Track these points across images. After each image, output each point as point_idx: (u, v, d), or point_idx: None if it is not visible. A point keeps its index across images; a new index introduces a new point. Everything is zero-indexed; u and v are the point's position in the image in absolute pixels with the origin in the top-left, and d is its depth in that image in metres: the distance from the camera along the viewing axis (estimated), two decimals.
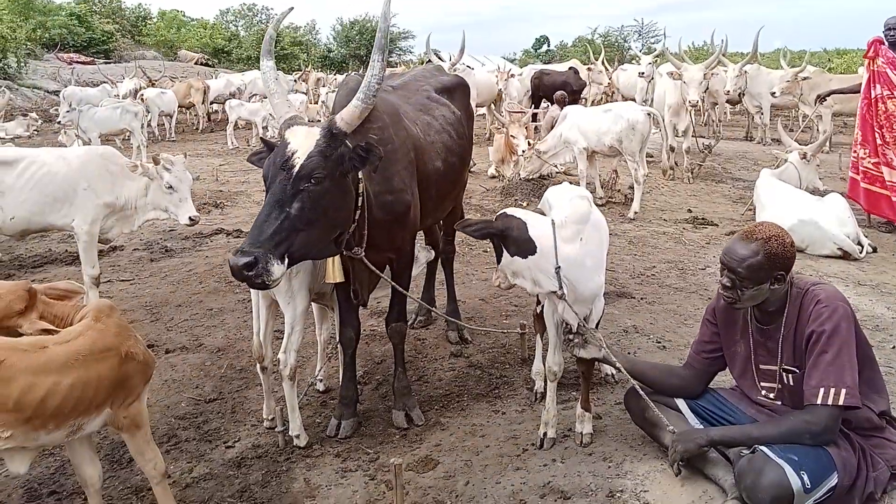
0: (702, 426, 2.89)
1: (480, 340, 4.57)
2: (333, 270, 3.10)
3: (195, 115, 18.77)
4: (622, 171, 8.78)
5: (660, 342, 4.43)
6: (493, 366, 4.21)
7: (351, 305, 3.49)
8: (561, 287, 2.92)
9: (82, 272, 4.84)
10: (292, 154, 2.68)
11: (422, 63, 32.94)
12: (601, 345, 3.02)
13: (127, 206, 4.69)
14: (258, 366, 3.51)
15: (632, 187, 8.09)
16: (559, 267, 2.91)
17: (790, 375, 2.64)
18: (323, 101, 19.07)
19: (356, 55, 42.19)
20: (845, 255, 6.09)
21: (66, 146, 9.80)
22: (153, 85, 18.87)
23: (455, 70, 10.04)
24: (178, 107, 16.89)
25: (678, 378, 3.01)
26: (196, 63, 33.42)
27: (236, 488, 3.13)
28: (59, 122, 11.97)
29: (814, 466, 2.38)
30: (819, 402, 2.44)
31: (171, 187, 4.51)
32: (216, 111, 19.90)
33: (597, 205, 8.19)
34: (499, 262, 3.04)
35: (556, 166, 8.61)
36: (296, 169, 2.66)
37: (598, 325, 3.29)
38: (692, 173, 9.58)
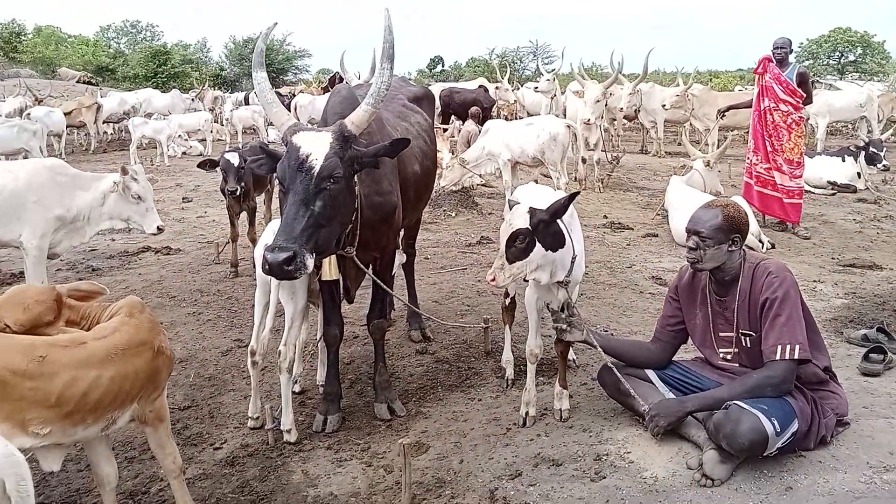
0: (671, 393, 3.24)
1: (442, 338, 4.78)
2: (329, 268, 3.25)
3: (86, 136, 17.93)
4: (543, 181, 9.27)
5: (606, 330, 4.80)
6: (460, 359, 4.44)
7: (335, 304, 3.63)
8: (569, 274, 3.20)
9: None
10: (307, 156, 2.83)
11: (318, 82, 32.88)
12: (584, 328, 3.32)
13: (78, 217, 4.59)
14: (249, 360, 3.58)
15: None
16: (575, 256, 3.19)
17: (747, 339, 3.03)
18: (227, 119, 18.77)
19: (250, 73, 41.45)
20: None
21: None
22: (40, 103, 17.88)
23: None
24: (67, 126, 16.13)
25: (647, 351, 3.36)
26: (79, 81, 31.82)
27: (235, 485, 3.19)
28: None
29: (780, 414, 2.76)
30: (777, 357, 2.84)
31: (139, 197, 4.47)
32: (107, 132, 19.08)
33: None
34: (518, 259, 3.03)
35: (479, 177, 8.98)
36: (316, 170, 2.81)
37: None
38: (602, 183, 10.23)
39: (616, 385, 3.32)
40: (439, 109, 14.69)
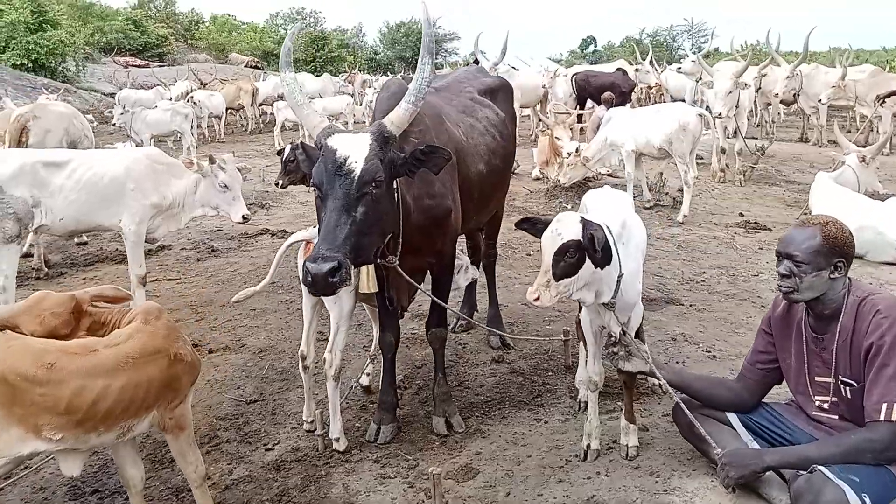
0: (755, 443, 2.76)
1: (522, 346, 4.48)
2: (368, 280, 3.07)
3: (245, 118, 19.10)
4: (670, 173, 8.58)
5: (709, 351, 4.28)
6: (536, 372, 4.13)
7: (390, 310, 3.46)
8: (615, 295, 2.81)
9: (129, 272, 4.92)
10: (345, 160, 2.64)
11: (467, 64, 33.01)
12: (646, 357, 2.91)
13: (174, 204, 4.76)
14: (300, 365, 3.51)
15: (680, 190, 7.89)
16: (622, 274, 2.79)
17: (847, 388, 2.50)
18: (369, 103, 19.24)
19: (402, 57, 42.62)
20: None
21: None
22: (204, 87, 19.26)
23: (496, 71, 9.97)
24: (228, 108, 17.20)
25: (729, 391, 2.88)
26: (246, 66, 34.08)
27: (275, 492, 3.12)
28: (113, 124, 12.31)
29: (876, 487, 2.25)
30: (882, 418, 2.31)
31: (225, 186, 4.59)
32: (264, 113, 20.24)
33: (644, 208, 7.98)
34: (567, 275, 2.68)
35: (606, 166, 8.46)
36: (357, 174, 2.61)
37: (637, 332, 3.19)
38: (744, 176, 9.30)
39: (690, 426, 2.89)
40: (574, 94, 14.07)
